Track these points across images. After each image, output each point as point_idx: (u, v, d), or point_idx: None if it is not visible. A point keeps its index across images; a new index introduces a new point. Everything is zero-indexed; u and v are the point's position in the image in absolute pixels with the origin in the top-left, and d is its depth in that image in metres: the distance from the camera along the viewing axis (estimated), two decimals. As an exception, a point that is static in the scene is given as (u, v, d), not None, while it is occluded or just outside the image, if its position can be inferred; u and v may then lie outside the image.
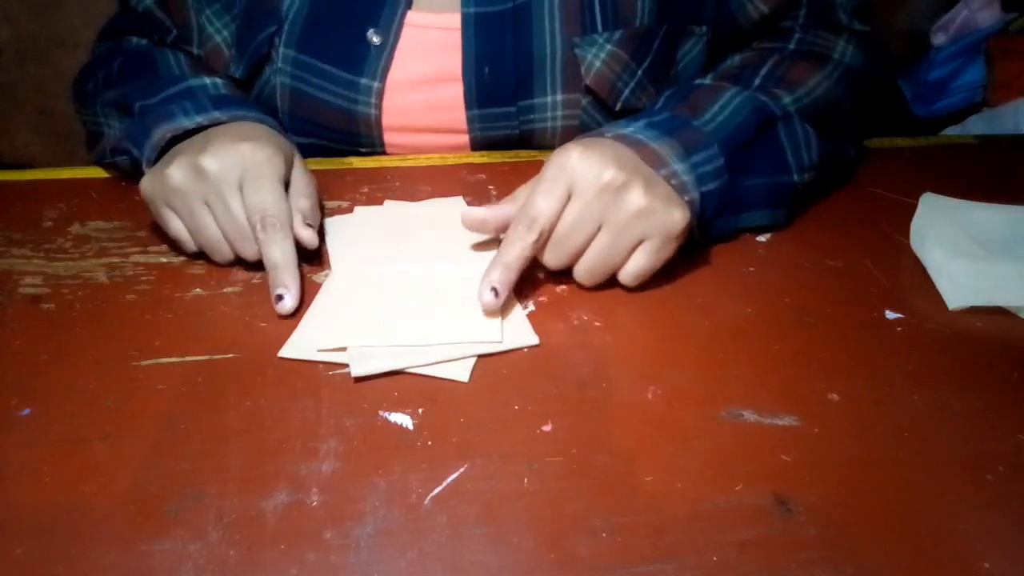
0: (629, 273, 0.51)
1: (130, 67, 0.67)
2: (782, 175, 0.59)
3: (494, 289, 0.49)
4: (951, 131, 1.30)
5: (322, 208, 0.60)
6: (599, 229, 0.50)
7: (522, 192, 0.53)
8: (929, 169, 0.68)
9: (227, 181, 0.52)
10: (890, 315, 0.51)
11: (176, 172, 0.52)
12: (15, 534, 0.37)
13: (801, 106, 0.61)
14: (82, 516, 0.38)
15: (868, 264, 0.56)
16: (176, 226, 0.54)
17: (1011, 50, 1.30)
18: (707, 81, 0.64)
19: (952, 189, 0.62)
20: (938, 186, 0.62)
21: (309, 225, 0.54)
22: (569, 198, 0.50)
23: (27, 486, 0.39)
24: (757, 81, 0.64)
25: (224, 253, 0.54)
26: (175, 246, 0.56)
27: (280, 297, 0.50)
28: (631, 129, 0.55)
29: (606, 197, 0.49)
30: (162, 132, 0.57)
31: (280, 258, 0.51)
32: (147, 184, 0.54)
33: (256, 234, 0.51)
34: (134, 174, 0.62)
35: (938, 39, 1.42)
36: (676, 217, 0.50)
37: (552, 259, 0.51)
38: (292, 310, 0.50)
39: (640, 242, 0.50)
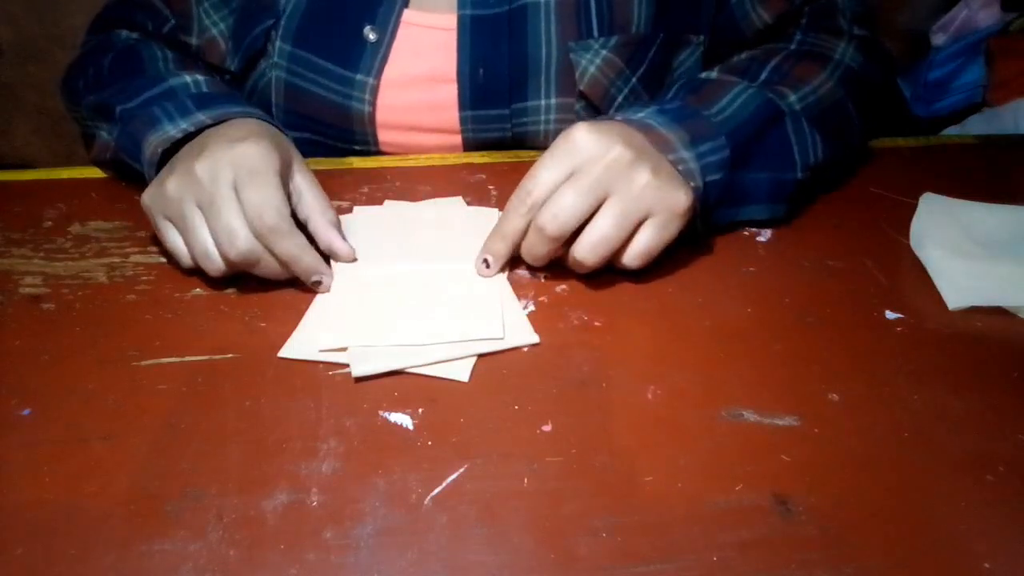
0: (634, 252, 0.50)
1: (118, 66, 0.66)
2: (786, 171, 0.59)
3: (486, 260, 0.52)
4: (951, 131, 1.30)
5: None
6: (602, 205, 0.49)
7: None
8: (929, 169, 0.68)
9: (221, 184, 0.49)
10: (890, 315, 0.51)
11: (172, 182, 0.51)
12: (15, 534, 0.37)
13: (807, 104, 0.61)
14: (82, 516, 0.38)
15: (868, 264, 0.56)
16: (172, 238, 0.52)
17: (1011, 50, 1.30)
18: (715, 75, 0.65)
19: (952, 189, 0.62)
20: (938, 186, 0.62)
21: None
22: (572, 174, 0.49)
23: (27, 486, 0.39)
24: (764, 75, 0.64)
25: (215, 263, 0.50)
26: (173, 260, 0.53)
27: (317, 283, 0.51)
28: (642, 115, 0.55)
29: (613, 171, 0.49)
30: (152, 147, 0.56)
31: (295, 250, 0.50)
32: (147, 197, 0.53)
33: (261, 237, 0.49)
34: (139, 175, 0.62)
35: (938, 39, 1.42)
36: (681, 197, 0.50)
37: (549, 223, 0.49)
38: (330, 287, 0.52)
39: (644, 219, 0.50)
